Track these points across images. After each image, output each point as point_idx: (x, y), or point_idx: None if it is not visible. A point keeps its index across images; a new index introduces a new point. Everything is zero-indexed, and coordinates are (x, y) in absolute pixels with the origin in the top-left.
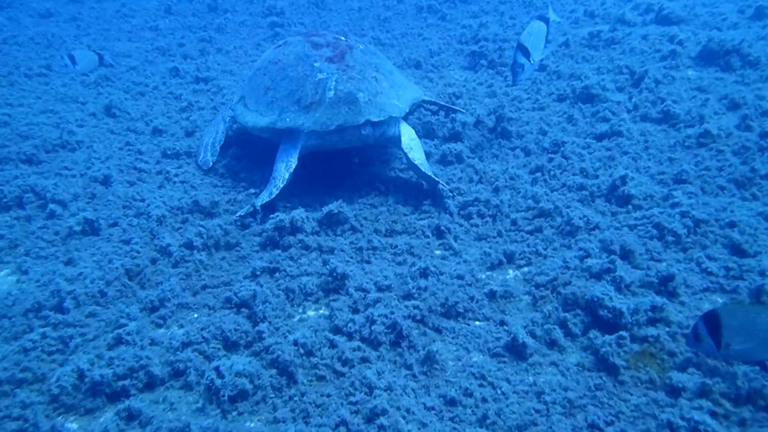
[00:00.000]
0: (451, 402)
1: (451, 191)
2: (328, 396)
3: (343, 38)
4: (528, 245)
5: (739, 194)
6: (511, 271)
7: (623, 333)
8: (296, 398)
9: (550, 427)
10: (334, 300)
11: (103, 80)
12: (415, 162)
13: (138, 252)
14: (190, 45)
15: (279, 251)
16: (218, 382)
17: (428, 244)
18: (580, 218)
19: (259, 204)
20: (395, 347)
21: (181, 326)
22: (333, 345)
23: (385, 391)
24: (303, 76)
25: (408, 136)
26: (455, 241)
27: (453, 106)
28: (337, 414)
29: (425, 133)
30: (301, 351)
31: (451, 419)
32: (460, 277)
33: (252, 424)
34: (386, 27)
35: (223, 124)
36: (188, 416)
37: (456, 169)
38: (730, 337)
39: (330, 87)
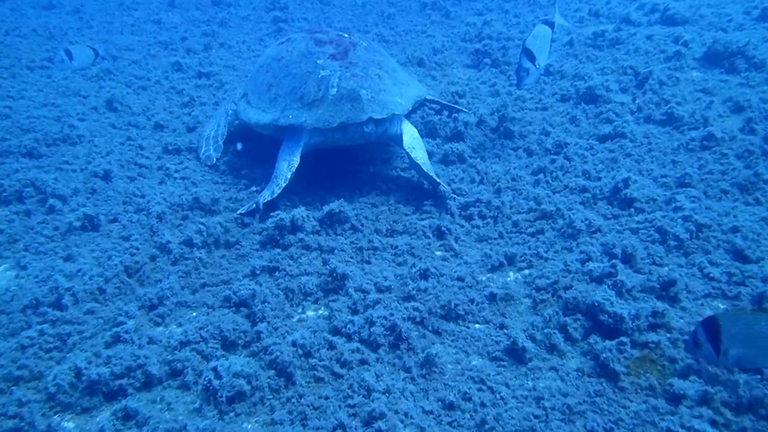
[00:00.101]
0: (450, 406)
1: (452, 192)
2: (326, 398)
3: (346, 35)
4: (529, 247)
5: (743, 199)
6: (511, 274)
7: (624, 339)
8: (294, 400)
9: None
10: (333, 300)
11: (105, 74)
12: (418, 162)
13: (137, 249)
14: (193, 39)
15: (279, 250)
16: (216, 382)
17: (429, 244)
18: (582, 221)
19: (261, 202)
20: (394, 349)
21: (180, 325)
22: (332, 346)
23: (384, 394)
24: (306, 73)
25: (410, 134)
26: (456, 242)
27: (455, 105)
28: (335, 417)
29: (427, 132)
30: (300, 352)
31: (450, 424)
32: (460, 278)
33: (249, 426)
34: (390, 23)
35: (225, 118)
36: (185, 417)
37: (458, 169)
38: (729, 344)
39: (333, 84)
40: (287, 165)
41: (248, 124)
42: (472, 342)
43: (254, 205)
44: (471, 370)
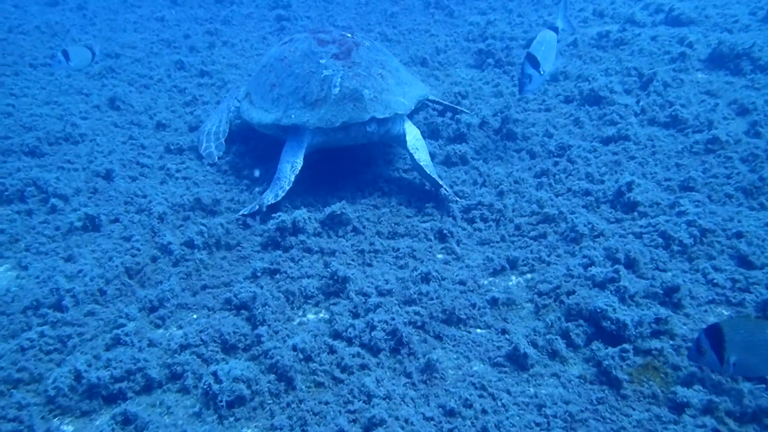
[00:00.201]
0: (451, 413)
1: (455, 194)
2: (326, 404)
3: (349, 35)
4: (531, 251)
5: (747, 203)
6: (513, 278)
7: (626, 346)
8: (294, 405)
9: None
10: (334, 304)
11: (108, 72)
12: (420, 164)
13: (138, 250)
14: (196, 37)
15: (280, 252)
16: (216, 387)
17: (430, 247)
18: (584, 225)
19: (265, 205)
20: (395, 354)
21: (180, 327)
22: (332, 350)
23: (384, 399)
24: (309, 73)
25: (413, 135)
26: (458, 245)
27: (456, 106)
28: (335, 423)
29: (430, 133)
30: (300, 356)
31: (450, 431)
32: (462, 282)
33: (249, 431)
34: (393, 22)
35: (227, 114)
36: (185, 421)
37: (460, 170)
38: (733, 352)
39: (335, 84)
40: (290, 167)
41: (251, 123)
42: (474, 347)
43: (257, 207)
44: (472, 375)
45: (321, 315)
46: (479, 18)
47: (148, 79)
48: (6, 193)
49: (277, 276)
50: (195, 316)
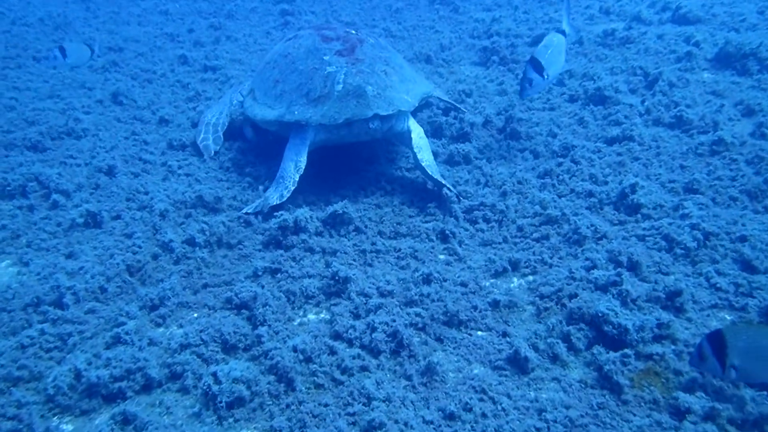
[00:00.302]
0: (451, 416)
1: (457, 195)
2: (326, 406)
3: (353, 32)
4: (534, 253)
5: (752, 206)
6: (515, 280)
7: (628, 351)
8: (293, 407)
9: None
10: (335, 304)
11: (111, 65)
12: (423, 164)
13: (140, 247)
14: (200, 31)
15: (281, 251)
16: (215, 388)
17: (432, 248)
18: (587, 227)
19: (269, 205)
20: (395, 356)
21: (181, 326)
22: (333, 352)
23: (384, 402)
24: (312, 70)
25: (417, 134)
26: (460, 246)
27: (456, 104)
28: (335, 425)
29: (433, 131)
30: (300, 357)
31: None
32: (463, 284)
33: None
34: (398, 18)
35: (229, 107)
36: (184, 421)
37: (463, 170)
38: (735, 358)
39: (339, 80)
40: (294, 166)
41: (254, 120)
42: (474, 350)
43: (260, 207)
44: (472, 379)
45: (322, 315)
46: (484, 15)
47: (151, 73)
48: (8, 188)
49: (279, 275)
50: (195, 315)
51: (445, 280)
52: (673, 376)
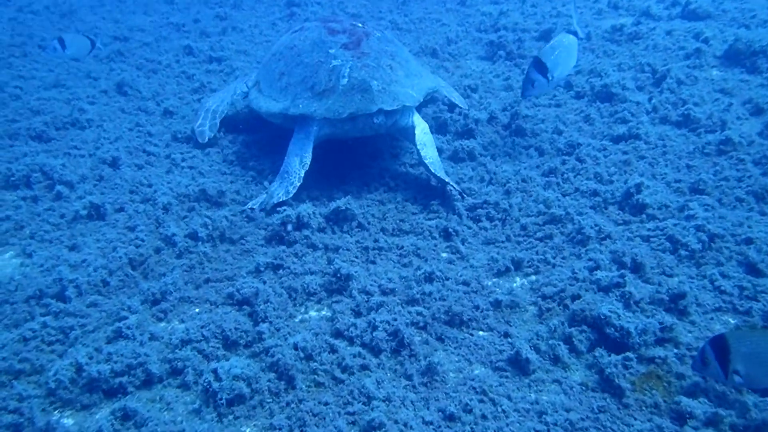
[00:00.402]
0: (450, 417)
1: (461, 193)
2: (326, 404)
3: (360, 24)
4: (537, 252)
5: (758, 208)
6: (518, 279)
7: (630, 354)
8: (293, 405)
9: None
10: (336, 301)
11: (117, 55)
12: (426, 161)
13: (142, 240)
14: (206, 21)
15: (284, 247)
16: (216, 385)
17: (435, 246)
18: (591, 227)
19: (274, 202)
20: (396, 355)
21: (182, 321)
22: (333, 350)
23: (384, 401)
24: (317, 63)
25: (421, 129)
26: (462, 244)
27: (456, 102)
28: (334, 425)
29: (438, 127)
30: (301, 355)
31: None
32: (465, 283)
33: (248, 430)
34: (404, 10)
35: (232, 96)
36: (184, 417)
37: (467, 167)
38: (738, 364)
39: (344, 74)
40: (299, 161)
41: (259, 112)
42: (475, 350)
43: (265, 204)
44: (473, 379)
45: (323, 312)
46: (492, 8)
47: (156, 64)
48: (12, 179)
49: (281, 271)
50: (197, 310)
51: (447, 279)
52: (675, 380)
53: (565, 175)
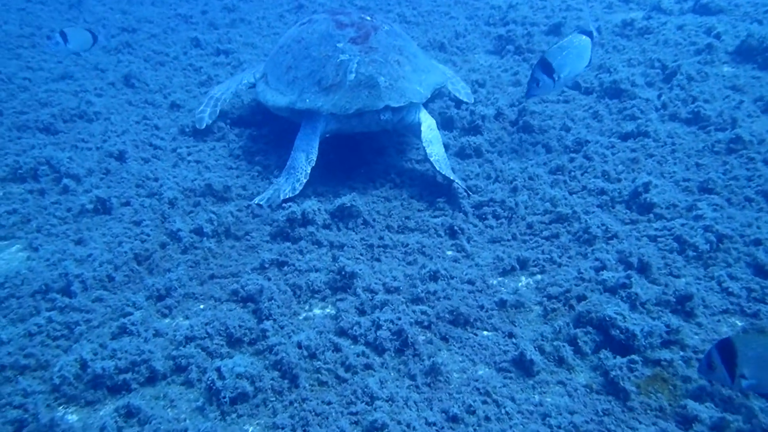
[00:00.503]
0: (453, 419)
1: (466, 190)
2: (329, 404)
3: (368, 18)
4: (542, 251)
5: (767, 208)
6: (523, 278)
7: (635, 357)
8: (296, 404)
9: None
10: (341, 299)
11: (124, 46)
12: (432, 158)
13: (148, 235)
14: (214, 13)
15: (289, 243)
16: (219, 383)
17: (440, 244)
18: (598, 226)
19: (281, 198)
20: (400, 354)
21: (187, 317)
22: (337, 349)
23: (387, 402)
24: (325, 57)
25: (428, 125)
26: (468, 242)
27: (461, 98)
28: (337, 425)
29: (444, 123)
30: (305, 353)
31: None
32: (470, 282)
33: (251, 429)
34: (412, 3)
35: (237, 85)
36: (188, 415)
37: (474, 164)
38: (745, 368)
39: (351, 69)
40: (305, 157)
41: (266, 106)
42: (480, 350)
43: (272, 200)
44: (477, 380)
45: (327, 310)
46: (501, 1)
47: (163, 56)
48: (20, 171)
49: (285, 268)
50: (202, 307)
51: (452, 278)
52: (680, 383)
53: (573, 173)
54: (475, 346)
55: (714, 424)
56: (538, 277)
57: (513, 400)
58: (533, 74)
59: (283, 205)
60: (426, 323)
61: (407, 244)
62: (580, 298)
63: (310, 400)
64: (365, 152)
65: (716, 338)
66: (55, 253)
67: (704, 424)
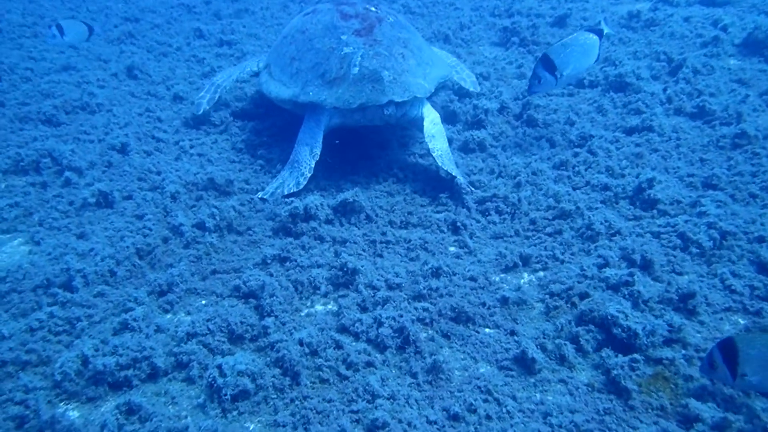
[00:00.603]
0: (455, 417)
1: (468, 186)
2: (330, 401)
3: (373, 9)
4: (545, 248)
5: None
6: (526, 275)
7: (637, 356)
8: (297, 402)
9: None
10: (343, 296)
11: (127, 37)
12: (435, 153)
13: (150, 230)
14: (217, 3)
15: (291, 239)
16: (220, 381)
17: (443, 240)
18: (601, 222)
19: (285, 193)
20: (401, 352)
21: (189, 313)
22: (338, 346)
23: (388, 400)
24: (329, 49)
25: (431, 120)
26: (471, 238)
27: (467, 87)
28: (338, 423)
29: (447, 117)
30: (306, 351)
31: None
32: (473, 278)
33: (252, 426)
34: None
35: (239, 73)
36: (189, 412)
37: (477, 158)
38: (747, 367)
39: (355, 63)
40: (309, 151)
41: (269, 97)
42: (481, 348)
43: (276, 195)
44: (478, 378)
45: (329, 307)
46: None
47: (166, 46)
48: (22, 164)
49: (287, 264)
50: (203, 302)
51: (455, 274)
52: (682, 381)
53: (576, 168)
54: (476, 344)
55: (716, 423)
56: (541, 273)
57: (514, 398)
58: (535, 71)
59: (286, 199)
60: (428, 320)
61: (410, 240)
62: (583, 296)
63: (312, 398)
64: (368, 146)
65: (718, 337)
66: (57, 247)
67: (706, 424)
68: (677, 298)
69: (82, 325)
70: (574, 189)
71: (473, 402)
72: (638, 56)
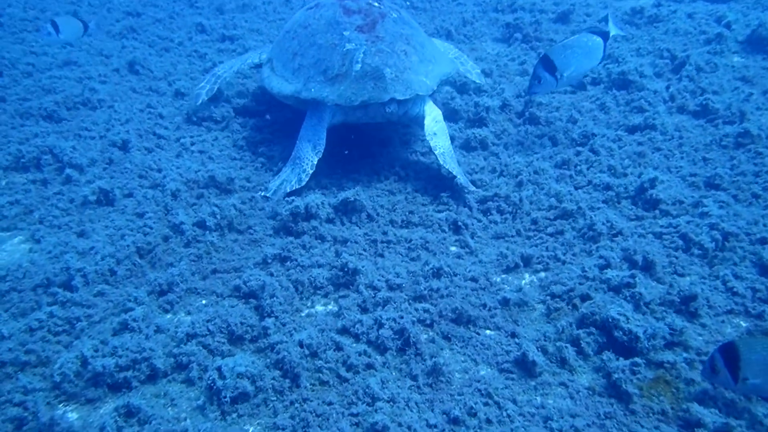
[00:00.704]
0: (455, 421)
1: (472, 183)
2: (330, 404)
3: (376, 4)
4: (547, 248)
5: None
6: (527, 276)
7: (638, 359)
8: (297, 404)
9: None
10: (343, 296)
11: (129, 31)
12: (437, 152)
13: (150, 228)
14: None
15: (292, 238)
16: (219, 383)
17: (444, 239)
18: (603, 223)
19: (286, 191)
20: (401, 354)
21: (189, 313)
22: (339, 347)
23: (388, 403)
24: (331, 45)
25: (432, 118)
26: (472, 238)
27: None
28: (337, 426)
29: (449, 114)
30: (306, 352)
31: None
32: (474, 279)
33: (251, 429)
34: None
35: (240, 65)
36: (188, 414)
37: (479, 156)
38: (748, 372)
39: (357, 59)
40: (312, 147)
41: (271, 92)
42: (482, 350)
43: (278, 192)
44: (479, 381)
45: (329, 307)
46: None
47: (168, 41)
48: (22, 160)
49: (288, 263)
50: (204, 302)
51: (456, 275)
52: (683, 385)
53: (579, 167)
54: (477, 346)
55: (717, 428)
56: (542, 274)
57: (515, 402)
58: (535, 71)
59: (287, 198)
60: (428, 321)
61: (411, 240)
62: (584, 298)
63: (311, 401)
64: (370, 143)
65: (720, 340)
66: (58, 246)
67: (707, 429)
68: (679, 300)
69: (82, 325)
70: (576, 188)
71: (473, 405)
72: (641, 53)
